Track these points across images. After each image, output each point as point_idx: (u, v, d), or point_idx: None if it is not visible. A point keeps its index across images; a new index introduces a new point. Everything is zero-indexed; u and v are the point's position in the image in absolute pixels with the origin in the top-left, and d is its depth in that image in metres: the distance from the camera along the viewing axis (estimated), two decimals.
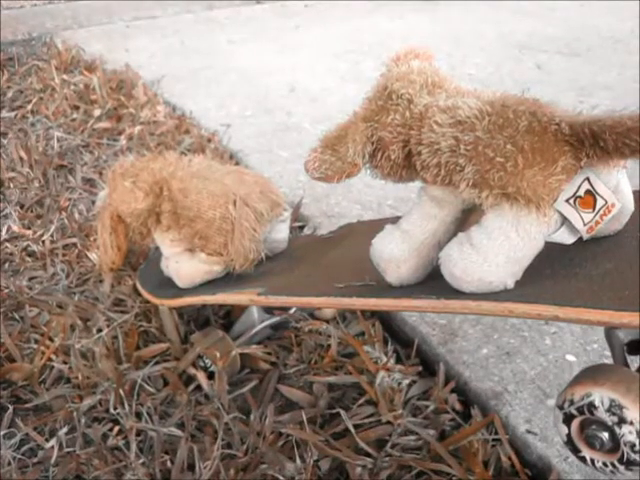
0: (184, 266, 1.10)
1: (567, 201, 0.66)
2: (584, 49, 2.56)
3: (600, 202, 0.66)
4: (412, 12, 3.16)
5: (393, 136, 0.78)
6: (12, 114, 2.08)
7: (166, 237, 1.10)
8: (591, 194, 0.66)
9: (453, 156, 0.70)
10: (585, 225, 0.67)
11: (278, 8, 3.27)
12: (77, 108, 2.10)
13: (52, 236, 1.42)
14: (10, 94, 2.21)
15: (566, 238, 0.68)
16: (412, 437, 0.99)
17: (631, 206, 0.73)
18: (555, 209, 0.66)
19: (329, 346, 1.13)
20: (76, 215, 1.49)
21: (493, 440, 0.97)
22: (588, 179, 0.65)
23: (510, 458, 0.94)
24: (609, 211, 0.67)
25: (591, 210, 0.66)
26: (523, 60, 2.48)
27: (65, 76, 2.36)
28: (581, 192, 0.65)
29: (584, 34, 2.75)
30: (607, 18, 3.01)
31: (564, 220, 0.67)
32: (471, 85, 2.26)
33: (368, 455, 0.95)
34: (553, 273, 0.71)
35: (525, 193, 0.65)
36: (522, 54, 2.54)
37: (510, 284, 0.70)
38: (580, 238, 0.69)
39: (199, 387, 1.06)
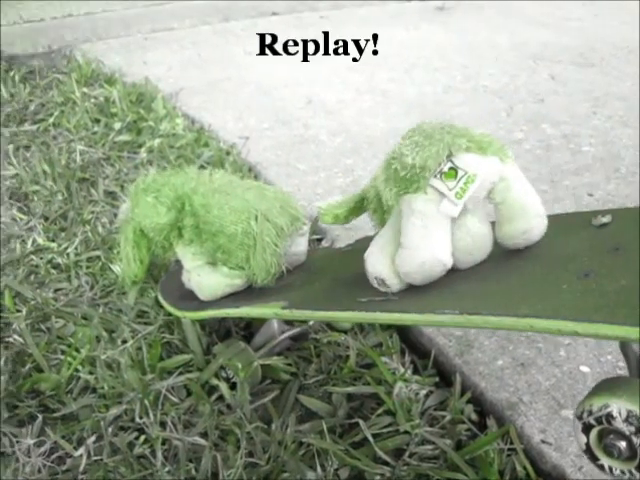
0: (206, 279, 1.12)
1: (435, 177, 0.83)
2: (598, 59, 2.58)
3: (461, 173, 0.82)
4: (426, 22, 3.19)
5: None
6: (34, 127, 2.12)
7: (188, 251, 1.13)
8: (453, 169, 0.83)
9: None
10: (450, 190, 0.82)
11: (294, 20, 3.31)
12: (98, 121, 2.14)
13: (76, 249, 1.45)
14: (32, 107, 2.25)
15: (449, 209, 0.83)
16: (429, 447, 1.01)
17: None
18: (430, 185, 0.83)
19: (348, 357, 1.16)
20: (99, 228, 1.53)
21: (508, 450, 1.00)
22: (451, 160, 0.83)
23: (525, 468, 0.97)
24: (472, 180, 0.82)
25: (454, 179, 0.82)
26: (537, 70, 2.50)
27: (85, 89, 2.40)
28: (445, 169, 0.83)
29: (598, 44, 2.77)
30: (621, 28, 3.03)
31: (441, 194, 0.83)
32: (486, 97, 2.28)
33: (386, 464, 0.97)
34: (570, 289, 0.73)
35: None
36: (536, 64, 2.56)
37: (447, 262, 0.83)
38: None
39: (221, 397, 1.09)
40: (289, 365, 1.15)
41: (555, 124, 2.00)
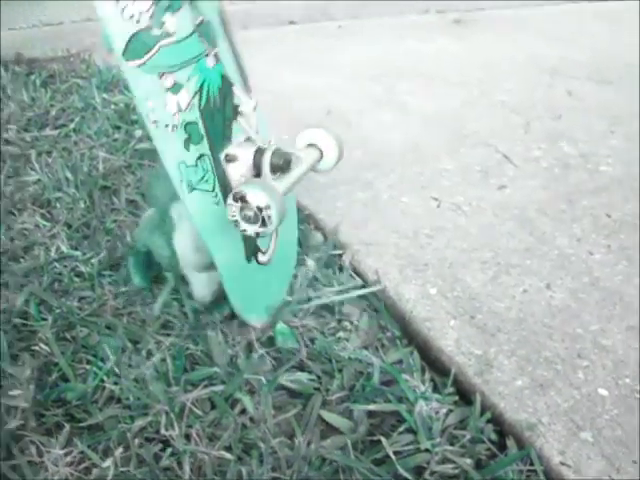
0: None
1: None
2: (616, 76, 2.59)
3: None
4: (443, 35, 3.21)
5: None
6: (55, 132, 2.14)
7: None
8: None
9: None
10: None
11: (312, 29, 3.33)
12: (118, 128, 2.16)
13: (99, 257, 1.47)
14: (53, 112, 2.27)
15: None
16: (449, 465, 1.03)
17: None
18: None
19: (369, 374, 1.18)
20: (122, 237, 1.55)
21: (528, 471, 1.01)
22: None
23: None
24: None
25: None
26: (554, 86, 2.51)
27: (105, 95, 2.42)
28: None
29: (616, 61, 2.78)
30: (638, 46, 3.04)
31: None
32: (503, 113, 2.30)
33: None
34: None
35: None
36: (553, 80, 2.58)
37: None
38: None
39: (245, 410, 1.11)
40: (312, 380, 1.16)
41: (572, 142, 2.01)
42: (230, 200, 1.03)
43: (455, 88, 2.47)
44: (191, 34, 1.08)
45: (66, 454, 1.03)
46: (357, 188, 1.75)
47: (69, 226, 1.61)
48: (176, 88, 1.06)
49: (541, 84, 2.54)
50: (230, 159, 1.13)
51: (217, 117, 1.14)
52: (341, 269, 1.43)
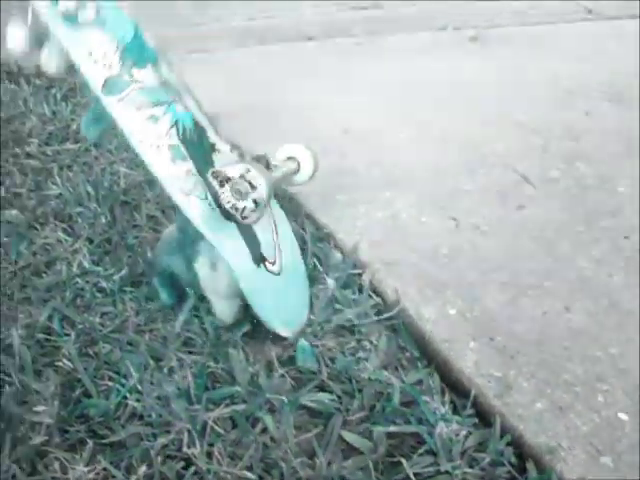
0: None
1: None
2: (634, 97, 2.59)
3: None
4: (460, 53, 3.22)
5: None
6: (76, 146, 2.16)
7: None
8: None
9: None
10: None
11: (329, 45, 3.34)
12: None
13: (121, 274, 1.48)
14: (74, 126, 2.29)
15: None
16: None
17: None
18: None
19: (389, 394, 1.18)
20: (143, 254, 1.56)
21: None
22: None
23: None
24: None
25: None
26: (572, 106, 2.51)
27: None
28: None
29: (633, 81, 2.77)
30: None
31: None
32: (520, 133, 2.30)
33: None
34: None
35: None
36: (571, 99, 2.58)
37: None
38: None
39: (265, 429, 1.11)
40: (333, 400, 1.17)
41: (590, 163, 2.02)
42: (218, 187, 1.17)
43: (472, 107, 2.48)
44: (158, 85, 1.25)
45: (89, 471, 1.04)
46: (376, 207, 1.76)
47: (91, 241, 1.62)
48: (154, 119, 1.20)
49: (558, 104, 2.54)
50: (217, 175, 1.21)
51: (197, 147, 1.25)
52: (360, 289, 1.44)
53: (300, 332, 1.30)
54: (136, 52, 1.23)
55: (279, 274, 1.32)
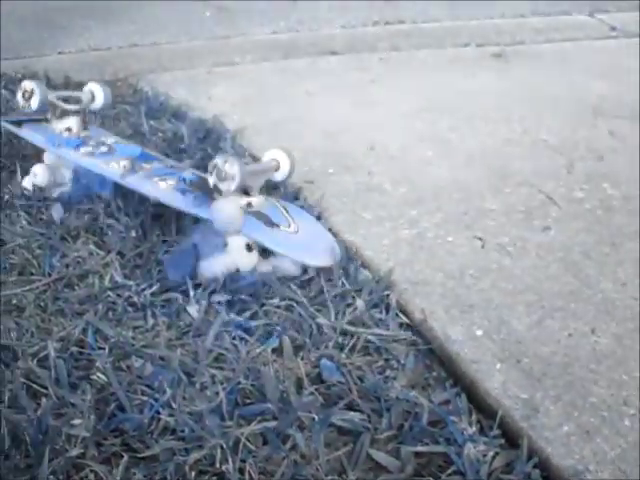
0: None
1: None
2: None
3: None
4: (484, 70, 3.23)
5: None
6: None
7: None
8: None
9: None
10: None
11: (353, 61, 3.37)
12: (167, 156, 2.20)
13: (152, 289, 1.51)
14: None
15: None
16: None
17: None
18: None
19: (417, 413, 1.20)
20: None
21: None
22: None
23: None
24: None
25: None
26: (597, 125, 2.52)
27: (153, 122, 2.47)
28: None
29: None
30: None
31: None
32: (545, 152, 2.30)
33: None
34: None
35: None
36: (595, 119, 2.59)
37: None
38: None
39: (295, 446, 1.13)
40: (362, 419, 1.19)
41: (615, 184, 2.03)
42: (209, 177, 1.63)
43: (497, 125, 2.49)
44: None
45: None
46: (402, 225, 1.78)
47: (122, 255, 1.65)
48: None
49: (583, 123, 2.55)
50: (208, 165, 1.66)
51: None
52: (388, 308, 1.46)
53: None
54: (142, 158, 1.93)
55: (297, 232, 1.63)
